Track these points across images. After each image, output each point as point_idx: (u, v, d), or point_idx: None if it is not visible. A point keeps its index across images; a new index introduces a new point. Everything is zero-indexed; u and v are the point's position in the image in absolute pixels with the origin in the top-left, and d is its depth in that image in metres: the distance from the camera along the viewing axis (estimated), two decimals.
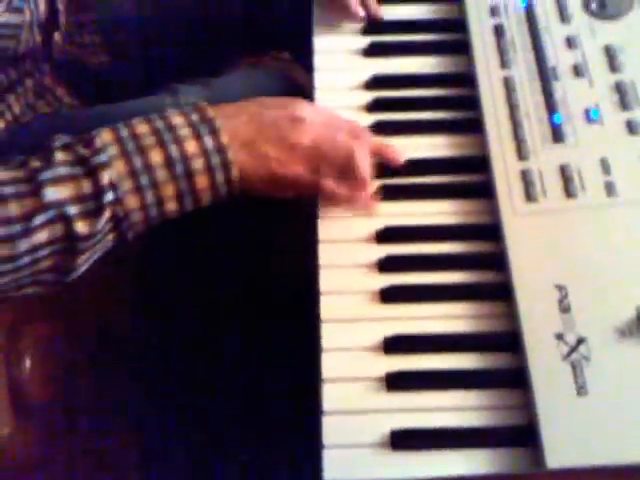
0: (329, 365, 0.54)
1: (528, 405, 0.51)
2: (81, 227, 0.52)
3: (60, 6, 0.74)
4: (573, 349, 0.52)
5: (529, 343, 0.53)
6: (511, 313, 0.55)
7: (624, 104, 0.61)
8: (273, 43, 0.99)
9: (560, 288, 0.54)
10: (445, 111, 0.66)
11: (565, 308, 0.54)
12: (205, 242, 0.79)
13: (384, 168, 0.63)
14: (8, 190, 0.51)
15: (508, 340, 0.54)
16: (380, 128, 0.65)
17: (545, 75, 0.64)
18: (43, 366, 0.65)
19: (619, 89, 0.62)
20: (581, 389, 0.50)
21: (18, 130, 0.76)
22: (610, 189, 0.58)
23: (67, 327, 0.69)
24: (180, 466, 0.73)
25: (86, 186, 0.52)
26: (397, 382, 0.53)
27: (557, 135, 0.61)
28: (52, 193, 0.52)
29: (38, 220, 0.51)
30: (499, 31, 0.66)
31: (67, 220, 0.52)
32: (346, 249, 0.60)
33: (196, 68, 0.91)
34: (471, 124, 0.64)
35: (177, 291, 0.79)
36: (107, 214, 0.53)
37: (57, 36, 0.78)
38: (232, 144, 0.55)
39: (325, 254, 0.59)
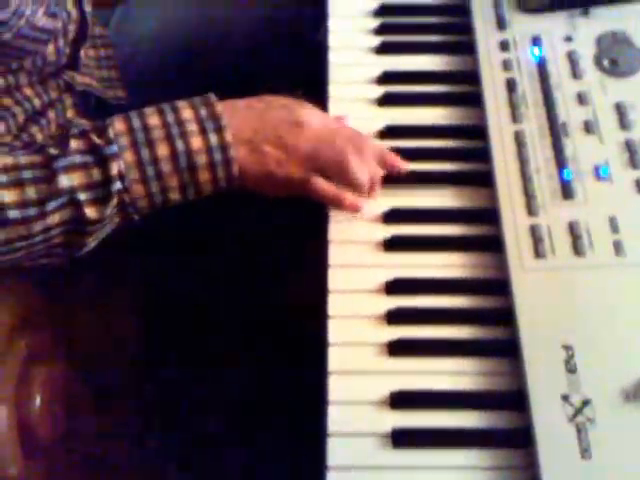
0: (335, 417, 0.55)
1: (532, 466, 0.51)
2: (90, 212, 0.57)
3: (89, 21, 0.77)
4: (578, 411, 0.52)
5: (535, 403, 0.53)
6: (518, 371, 0.55)
7: (634, 162, 0.62)
8: (288, 81, 1.01)
9: (567, 348, 0.55)
10: (456, 163, 0.67)
11: (571, 369, 0.54)
12: (207, 271, 0.80)
13: (394, 218, 0.64)
14: (26, 175, 0.56)
15: (514, 399, 0.55)
16: (390, 179, 0.66)
17: (556, 131, 0.64)
18: (53, 406, 0.66)
19: (629, 147, 0.63)
20: (585, 452, 0.51)
21: None
22: (618, 248, 0.58)
23: (77, 366, 0.69)
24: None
25: (96, 174, 0.57)
26: (403, 439, 0.53)
27: (566, 191, 0.61)
28: (65, 180, 0.56)
29: (51, 205, 0.56)
30: (511, 85, 0.67)
31: (78, 205, 0.56)
32: (355, 300, 0.60)
33: None
34: (481, 176, 0.65)
35: (180, 321, 0.81)
36: (114, 201, 0.57)
37: (75, 72, 0.80)
38: (235, 141, 0.59)
39: (334, 304, 0.60)
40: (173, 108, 0.59)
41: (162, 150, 0.58)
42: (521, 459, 0.52)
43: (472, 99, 0.69)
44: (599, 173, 0.62)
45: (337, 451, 0.53)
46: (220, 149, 0.58)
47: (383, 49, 0.72)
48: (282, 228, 0.78)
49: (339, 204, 0.63)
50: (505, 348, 0.57)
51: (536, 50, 0.68)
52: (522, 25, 0.70)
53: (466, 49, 0.71)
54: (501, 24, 0.70)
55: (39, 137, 0.78)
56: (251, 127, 0.60)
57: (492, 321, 0.58)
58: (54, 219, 0.56)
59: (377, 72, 0.71)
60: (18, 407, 0.62)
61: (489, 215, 0.63)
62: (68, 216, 0.57)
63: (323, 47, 0.75)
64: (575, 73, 0.67)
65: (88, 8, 0.75)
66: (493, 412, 0.55)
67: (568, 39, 0.69)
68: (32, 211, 0.56)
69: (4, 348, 0.63)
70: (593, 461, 0.50)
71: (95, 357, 0.73)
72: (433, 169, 0.66)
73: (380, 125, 0.69)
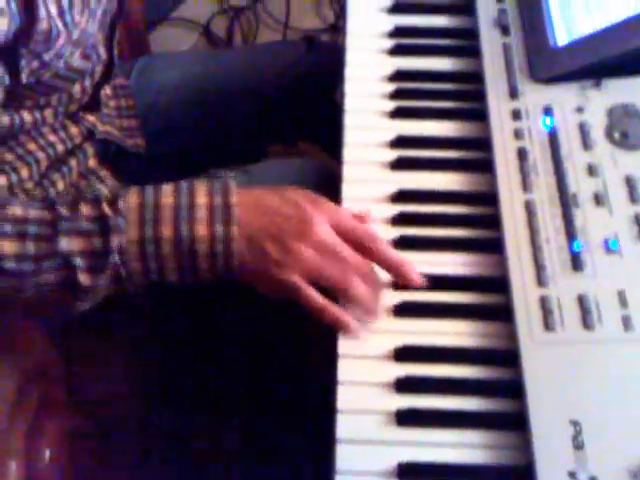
0: None
1: None
2: (84, 279, 0.57)
3: (115, 61, 0.79)
4: None
5: (542, 479, 0.53)
6: (525, 445, 0.55)
7: None
8: (305, 133, 1.03)
9: (575, 424, 0.55)
10: (467, 229, 0.68)
11: (579, 445, 0.54)
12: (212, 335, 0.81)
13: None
14: (31, 229, 0.57)
15: (521, 473, 0.55)
16: (403, 242, 0.67)
17: (566, 201, 0.65)
18: (63, 460, 0.66)
19: (638, 221, 0.64)
20: None
21: None
22: (627, 323, 0.59)
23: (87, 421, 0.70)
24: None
25: (97, 243, 0.57)
26: (406, 473, 0.54)
27: (576, 263, 0.62)
28: (65, 243, 0.57)
29: (47, 264, 0.57)
30: (522, 154, 0.68)
31: (72, 270, 0.57)
32: (364, 366, 0.61)
33: (230, 155, 0.95)
34: (492, 243, 0.66)
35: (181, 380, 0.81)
36: (109, 272, 0.57)
37: (97, 119, 0.82)
38: (239, 235, 0.58)
39: (343, 370, 0.60)
40: (190, 190, 0.59)
41: (166, 231, 0.58)
42: None
43: (484, 166, 0.70)
44: (609, 246, 0.63)
45: None
46: (223, 241, 0.58)
47: (397, 114, 0.74)
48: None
49: (332, 321, 0.60)
50: (513, 421, 0.57)
51: (548, 120, 0.70)
52: (534, 94, 0.71)
53: (479, 116, 0.73)
54: (513, 93, 0.72)
55: (60, 185, 0.80)
56: (258, 223, 0.59)
57: (501, 393, 0.59)
58: (47, 278, 0.57)
59: (391, 136, 0.73)
60: (27, 461, 0.62)
61: (499, 283, 0.64)
62: (62, 278, 0.57)
63: (339, 108, 0.76)
64: (586, 144, 0.68)
65: (115, 50, 0.77)
66: None
67: (580, 110, 0.70)
68: (27, 266, 0.57)
69: (15, 400, 0.64)
70: None
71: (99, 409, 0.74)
72: (444, 235, 0.68)
73: (392, 189, 0.70)
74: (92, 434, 0.72)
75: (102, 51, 0.74)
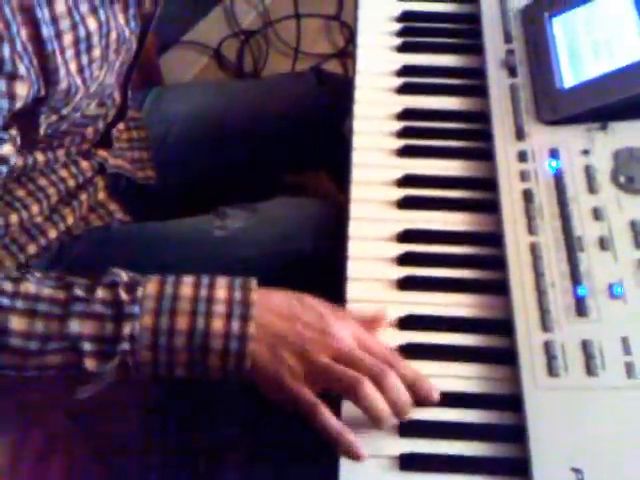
0: None
1: None
2: (89, 364, 0.56)
3: (129, 102, 0.80)
4: None
5: None
6: None
7: None
8: (314, 163, 1.04)
9: (577, 471, 0.56)
10: (472, 270, 0.69)
11: None
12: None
13: (410, 325, 0.65)
14: (42, 307, 0.57)
15: None
16: (409, 283, 0.68)
17: (571, 245, 0.67)
18: None
19: None
20: None
21: (70, 242, 0.81)
22: (630, 370, 0.60)
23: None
24: None
25: (108, 329, 0.57)
26: None
27: (581, 309, 0.63)
28: (77, 326, 0.56)
29: (53, 345, 0.56)
30: (528, 196, 0.70)
31: (79, 353, 0.56)
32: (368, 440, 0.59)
33: (239, 188, 0.96)
34: (497, 285, 0.67)
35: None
36: (117, 360, 0.57)
37: (108, 153, 0.84)
38: (257, 337, 0.57)
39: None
40: (210, 283, 0.59)
41: (181, 324, 0.57)
42: None
43: (490, 206, 0.71)
44: (613, 291, 0.64)
45: None
46: (238, 339, 0.57)
47: (405, 152, 0.76)
48: None
49: (343, 450, 0.57)
50: (516, 467, 0.58)
51: (554, 162, 0.71)
52: (541, 136, 0.73)
53: (486, 156, 0.74)
54: (520, 134, 0.73)
55: (70, 219, 0.81)
56: (278, 328, 0.58)
57: (504, 438, 0.60)
58: (52, 360, 0.56)
59: (398, 175, 0.74)
60: None
61: (504, 326, 0.65)
62: (67, 361, 0.56)
63: (347, 141, 0.78)
64: (591, 187, 0.69)
65: (130, 93, 0.79)
66: None
67: (585, 152, 0.71)
68: (33, 345, 0.56)
69: (20, 440, 0.65)
70: None
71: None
72: (449, 275, 0.69)
73: (399, 228, 0.71)
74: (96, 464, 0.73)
75: (117, 95, 0.76)
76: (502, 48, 0.79)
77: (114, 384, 0.59)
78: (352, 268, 0.69)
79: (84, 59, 0.62)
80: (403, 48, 0.83)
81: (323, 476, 0.59)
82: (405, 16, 0.85)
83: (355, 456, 0.57)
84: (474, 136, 0.76)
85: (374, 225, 0.72)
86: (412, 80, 0.80)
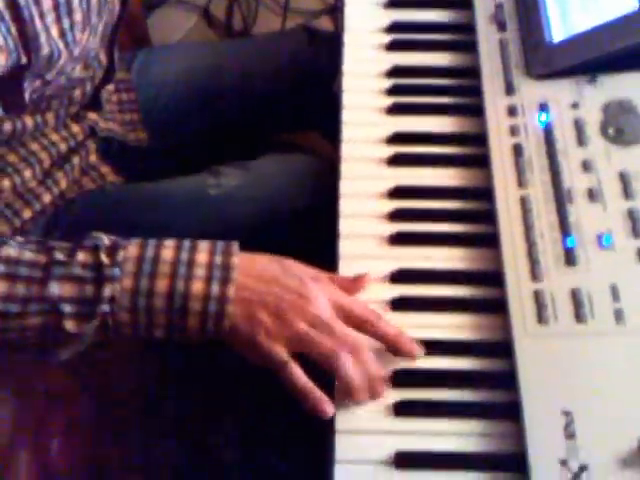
0: None
1: None
2: (70, 325, 0.58)
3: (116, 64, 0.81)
4: (576, 476, 0.57)
5: (534, 466, 0.57)
6: (519, 433, 0.59)
7: (636, 232, 0.66)
8: (306, 121, 1.06)
9: (566, 414, 0.59)
10: (462, 224, 0.71)
11: (570, 434, 0.58)
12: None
13: (401, 279, 0.68)
14: (23, 271, 0.58)
15: (515, 461, 0.58)
16: (399, 237, 0.70)
17: (560, 197, 0.69)
18: (72, 447, 0.70)
19: (632, 216, 0.67)
20: None
21: (63, 206, 0.83)
22: (619, 316, 0.62)
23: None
24: None
25: (88, 291, 0.58)
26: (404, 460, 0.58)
27: (570, 259, 0.66)
28: (56, 288, 0.57)
29: (33, 307, 0.57)
30: (518, 150, 0.71)
31: (59, 315, 0.57)
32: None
33: (232, 148, 0.98)
34: (487, 238, 0.69)
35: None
36: (97, 321, 0.58)
37: (99, 116, 0.85)
38: (236, 298, 0.59)
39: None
40: (192, 247, 0.60)
41: (161, 286, 0.58)
42: None
43: (480, 161, 0.73)
44: (602, 241, 0.66)
45: None
46: (217, 301, 0.58)
47: (394, 110, 0.77)
48: None
49: (310, 407, 0.59)
50: (507, 411, 0.61)
51: (543, 116, 0.73)
52: (530, 91, 0.74)
53: (475, 111, 0.76)
54: (509, 89, 0.75)
55: (63, 183, 0.83)
56: (257, 290, 0.59)
57: (495, 384, 0.62)
58: (32, 322, 0.58)
59: (388, 132, 0.76)
60: (36, 448, 0.66)
61: (494, 277, 0.67)
62: (47, 322, 0.58)
63: (337, 100, 0.79)
64: (581, 140, 0.71)
65: (116, 54, 0.80)
66: (494, 474, 0.59)
67: (575, 106, 0.73)
68: (13, 307, 0.57)
69: (21, 394, 0.68)
70: None
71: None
72: (440, 230, 0.71)
73: (389, 185, 0.73)
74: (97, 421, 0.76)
75: (103, 57, 0.77)
76: (491, 2, 0.80)
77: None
78: (344, 225, 0.71)
79: (65, 23, 0.62)
80: (391, 4, 0.84)
81: (320, 431, 0.62)
82: None
83: (322, 413, 0.59)
84: (464, 92, 0.78)
85: (365, 182, 0.74)
86: (401, 37, 0.81)
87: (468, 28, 0.80)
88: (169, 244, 0.60)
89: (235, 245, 0.61)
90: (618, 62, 0.73)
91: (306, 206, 0.82)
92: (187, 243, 0.60)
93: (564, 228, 0.67)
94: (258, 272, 0.61)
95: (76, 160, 0.84)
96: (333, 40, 0.97)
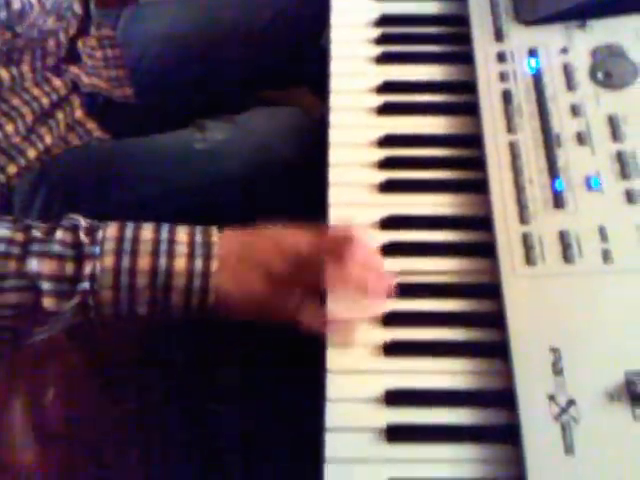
0: None
1: (518, 460, 0.57)
2: (47, 303, 0.57)
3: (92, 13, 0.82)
4: (563, 410, 0.58)
5: (522, 402, 0.59)
6: (508, 371, 0.61)
7: (624, 174, 0.68)
8: (294, 77, 1.07)
9: (554, 351, 0.60)
10: (451, 171, 0.72)
11: (558, 370, 0.60)
12: None
13: (391, 224, 0.69)
14: (0, 248, 0.58)
15: (504, 397, 0.60)
16: (390, 186, 0.72)
17: (549, 142, 0.70)
18: (66, 395, 0.71)
19: (620, 159, 0.68)
20: (569, 449, 0.56)
21: (49, 161, 0.84)
22: (606, 256, 0.64)
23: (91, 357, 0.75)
24: None
25: (68, 269, 0.58)
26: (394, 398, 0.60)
27: (558, 201, 0.67)
28: (35, 265, 0.57)
29: (10, 283, 0.57)
30: (507, 96, 0.73)
31: (37, 293, 0.57)
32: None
33: (218, 101, 0.98)
34: (476, 184, 0.71)
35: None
36: (76, 299, 0.58)
37: (81, 71, 0.86)
38: (219, 269, 0.59)
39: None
40: (171, 228, 0.61)
41: (143, 264, 0.58)
42: (509, 454, 0.58)
43: (469, 108, 0.74)
44: (590, 184, 0.68)
45: None
46: (201, 276, 0.59)
47: (383, 59, 0.78)
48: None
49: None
50: (496, 349, 0.62)
51: (532, 62, 0.74)
52: (519, 37, 0.76)
53: (465, 59, 0.77)
54: (499, 35, 0.76)
55: (48, 139, 0.84)
56: (237, 256, 0.60)
57: (484, 324, 0.64)
58: (9, 298, 0.57)
59: (377, 82, 0.77)
60: (32, 395, 0.67)
61: (483, 222, 0.68)
62: (24, 300, 0.57)
63: (326, 54, 0.80)
64: (570, 85, 0.73)
65: (92, 5, 0.80)
66: (483, 409, 0.60)
67: (564, 51, 0.74)
68: None
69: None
70: (576, 457, 0.56)
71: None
72: (429, 177, 0.72)
73: (379, 134, 0.74)
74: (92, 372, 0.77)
75: (77, 7, 0.77)
76: None
77: None
78: (334, 173, 0.73)
79: None
80: None
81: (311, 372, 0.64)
82: None
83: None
84: (453, 40, 0.79)
85: (354, 131, 0.75)
86: None
87: None
88: (147, 226, 0.61)
89: (213, 228, 0.62)
90: (607, 7, 0.74)
91: (294, 158, 0.83)
92: (165, 225, 0.61)
93: (553, 172, 0.69)
94: (236, 246, 0.61)
95: (60, 116, 0.85)
96: None
